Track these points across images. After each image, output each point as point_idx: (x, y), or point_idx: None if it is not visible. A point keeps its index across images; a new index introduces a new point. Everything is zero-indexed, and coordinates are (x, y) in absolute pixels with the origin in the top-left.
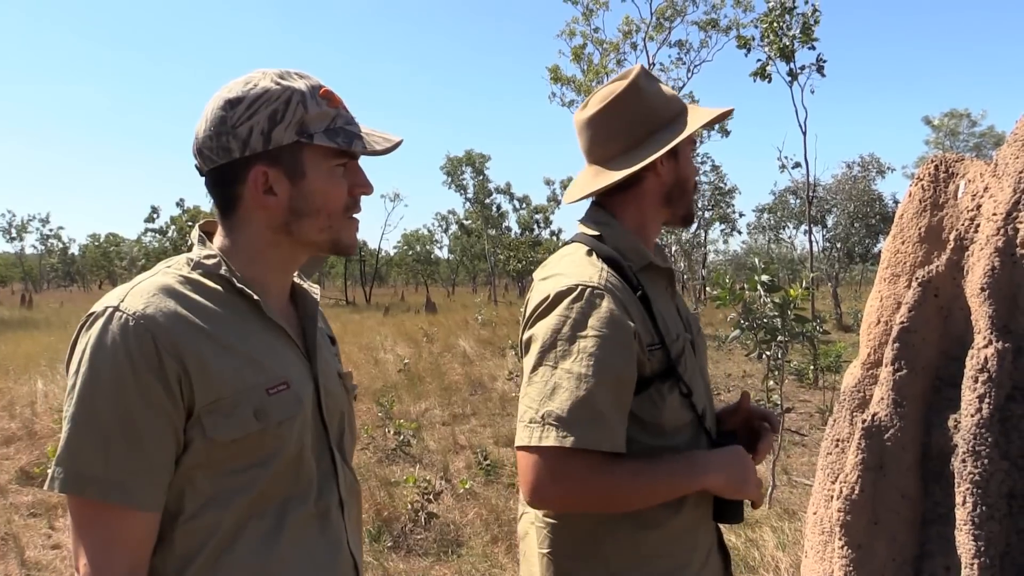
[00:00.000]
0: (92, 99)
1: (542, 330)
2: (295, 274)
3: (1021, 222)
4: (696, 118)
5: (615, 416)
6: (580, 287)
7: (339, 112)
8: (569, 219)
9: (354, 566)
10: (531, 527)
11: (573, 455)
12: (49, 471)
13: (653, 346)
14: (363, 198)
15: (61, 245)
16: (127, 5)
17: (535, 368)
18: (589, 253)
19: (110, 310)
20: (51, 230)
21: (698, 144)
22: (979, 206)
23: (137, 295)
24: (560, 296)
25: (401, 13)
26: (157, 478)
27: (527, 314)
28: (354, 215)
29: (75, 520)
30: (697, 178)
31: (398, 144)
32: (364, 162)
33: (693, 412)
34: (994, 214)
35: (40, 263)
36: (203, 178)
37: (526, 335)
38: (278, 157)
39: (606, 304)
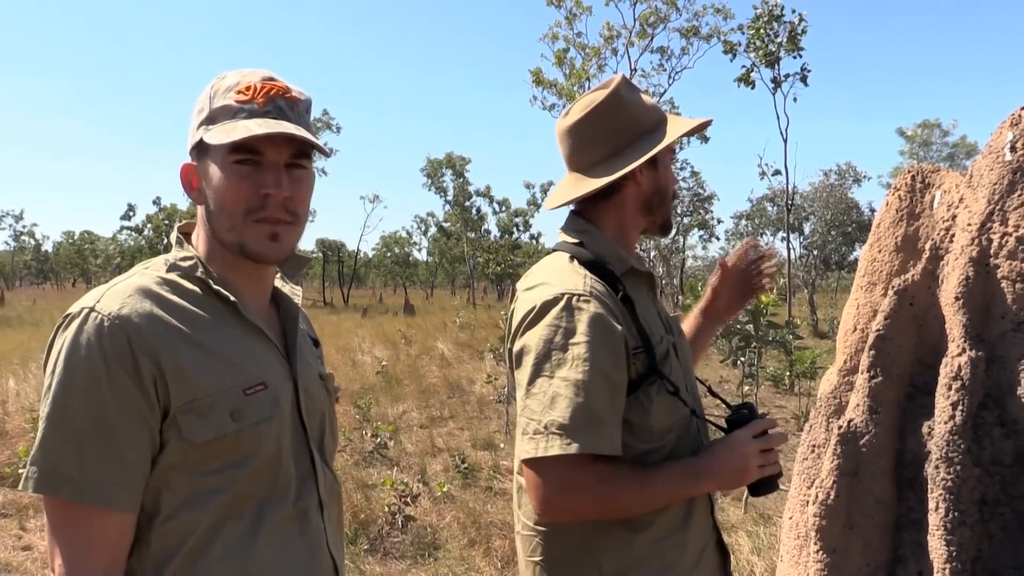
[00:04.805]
0: (66, 91)
1: (533, 341)
2: (278, 275)
3: (995, 233)
4: (675, 128)
5: (612, 419)
6: (566, 295)
7: (245, 106)
8: (549, 223)
9: (334, 568)
10: (518, 536)
11: (581, 465)
12: (22, 471)
13: (637, 349)
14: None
15: (34, 242)
16: None
17: (532, 380)
18: (571, 260)
19: (86, 311)
20: (24, 227)
21: (677, 152)
22: (954, 217)
23: (113, 296)
24: (547, 306)
25: (383, 12)
26: (132, 479)
27: (513, 326)
28: (261, 218)
29: (50, 520)
30: (676, 187)
31: (295, 137)
32: (340, 164)
33: (685, 408)
34: (969, 225)
35: (12, 260)
36: None
37: (516, 346)
38: (198, 155)
39: (594, 309)
